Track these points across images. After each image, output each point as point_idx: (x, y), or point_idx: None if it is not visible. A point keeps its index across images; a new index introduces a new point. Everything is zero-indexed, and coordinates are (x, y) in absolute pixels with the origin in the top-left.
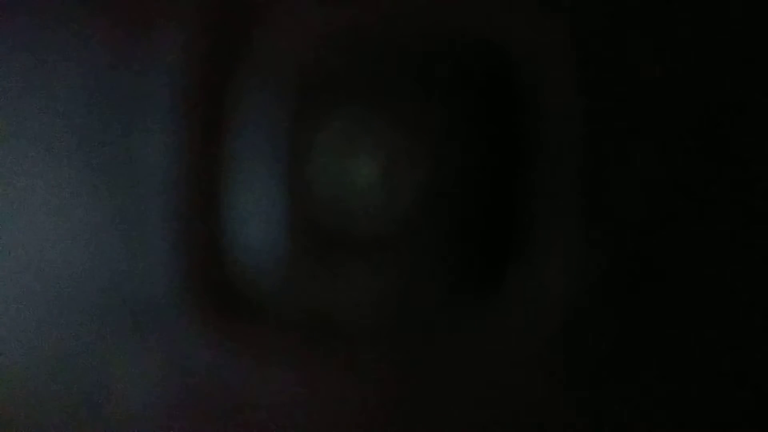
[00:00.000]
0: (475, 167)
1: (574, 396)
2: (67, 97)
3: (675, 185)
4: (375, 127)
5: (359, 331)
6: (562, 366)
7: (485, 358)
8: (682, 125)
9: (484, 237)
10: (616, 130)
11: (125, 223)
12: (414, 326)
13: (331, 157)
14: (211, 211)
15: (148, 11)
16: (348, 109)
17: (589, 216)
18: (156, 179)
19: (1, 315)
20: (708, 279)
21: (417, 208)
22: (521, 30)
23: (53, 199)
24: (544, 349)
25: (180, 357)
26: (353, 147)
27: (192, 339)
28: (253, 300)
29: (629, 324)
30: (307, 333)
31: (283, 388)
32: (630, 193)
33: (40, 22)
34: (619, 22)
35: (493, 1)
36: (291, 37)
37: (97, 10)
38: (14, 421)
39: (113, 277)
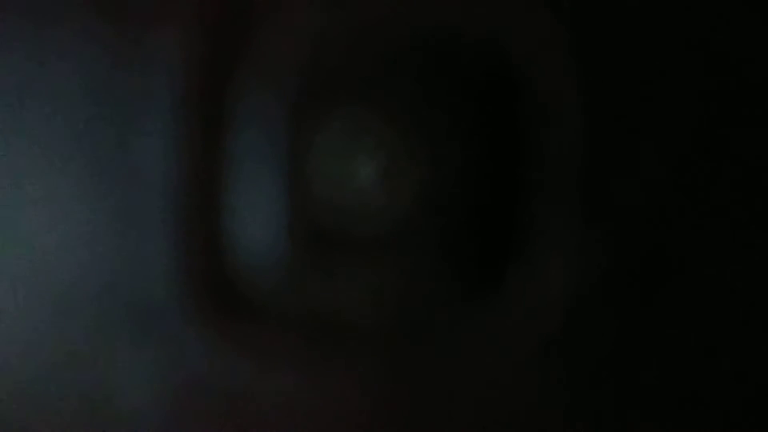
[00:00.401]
0: (475, 167)
1: (574, 396)
2: (67, 97)
3: (675, 185)
4: (375, 127)
5: (359, 331)
6: (562, 366)
7: (485, 358)
8: (682, 125)
9: (484, 237)
10: (616, 130)
11: (125, 223)
12: (414, 326)
13: (331, 157)
14: (211, 211)
15: (148, 11)
16: (348, 109)
17: (589, 216)
18: (156, 179)
19: (0, 315)
20: (708, 279)
21: (417, 208)
22: (521, 30)
23: (52, 198)
24: (545, 349)
25: (179, 357)
26: (353, 147)
27: (191, 339)
28: (253, 300)
29: (629, 324)
30: (307, 333)
31: (283, 388)
32: (630, 193)
33: (40, 22)
34: (619, 23)
35: (493, 1)
36: (291, 37)
37: (97, 10)
38: (14, 421)
39: (113, 277)
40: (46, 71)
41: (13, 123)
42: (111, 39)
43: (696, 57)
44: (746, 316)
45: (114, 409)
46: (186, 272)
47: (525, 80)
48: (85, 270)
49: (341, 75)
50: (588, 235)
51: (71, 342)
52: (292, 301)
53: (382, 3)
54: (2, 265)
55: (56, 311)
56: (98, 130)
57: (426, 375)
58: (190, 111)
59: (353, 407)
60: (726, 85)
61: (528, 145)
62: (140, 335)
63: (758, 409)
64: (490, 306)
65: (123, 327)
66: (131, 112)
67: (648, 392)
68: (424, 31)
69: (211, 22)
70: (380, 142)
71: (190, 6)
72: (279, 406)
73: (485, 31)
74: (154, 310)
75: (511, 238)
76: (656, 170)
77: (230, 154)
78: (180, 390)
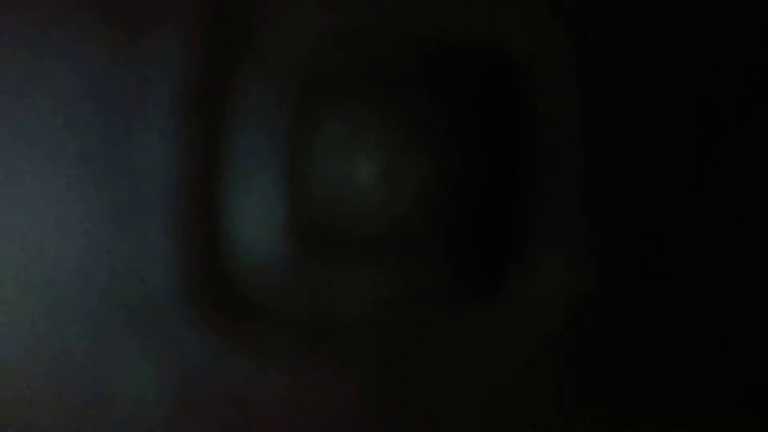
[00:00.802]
0: (475, 167)
1: (574, 396)
2: (67, 97)
3: (674, 185)
4: (375, 127)
5: (359, 331)
6: (563, 366)
7: (485, 358)
8: (682, 125)
9: (484, 237)
10: (616, 130)
11: (125, 222)
12: (414, 326)
13: (331, 157)
14: (211, 211)
15: (148, 11)
16: (348, 109)
17: (589, 216)
18: (156, 179)
19: (0, 315)
20: (708, 278)
21: (417, 208)
22: (521, 30)
23: (53, 198)
24: (545, 349)
25: (179, 356)
26: (353, 147)
27: (191, 338)
28: (252, 299)
29: (629, 324)
30: (307, 332)
31: (282, 387)
32: (630, 193)
33: (40, 22)
34: (618, 22)
35: (494, 1)
36: (291, 37)
37: (97, 10)
38: (14, 421)
39: (113, 276)
40: (46, 71)
41: (13, 123)
42: (111, 39)
43: (695, 57)
44: (746, 316)
45: (114, 409)
46: (186, 272)
47: (524, 81)
48: (85, 270)
49: (341, 75)
50: (587, 234)
51: (71, 342)
52: (291, 301)
53: (382, 3)
54: (2, 265)
55: (56, 311)
56: (98, 129)
57: (426, 375)
58: (190, 111)
59: (353, 407)
60: (725, 85)
61: (528, 145)
62: (140, 335)
63: (758, 409)
64: (490, 306)
65: (123, 327)
66: (131, 112)
67: (648, 392)
68: (424, 31)
69: (211, 22)
70: (380, 142)
71: (190, 6)
72: (278, 406)
73: (485, 32)
74: (154, 309)
75: (511, 238)
76: (656, 170)
77: (230, 154)
78: (180, 389)
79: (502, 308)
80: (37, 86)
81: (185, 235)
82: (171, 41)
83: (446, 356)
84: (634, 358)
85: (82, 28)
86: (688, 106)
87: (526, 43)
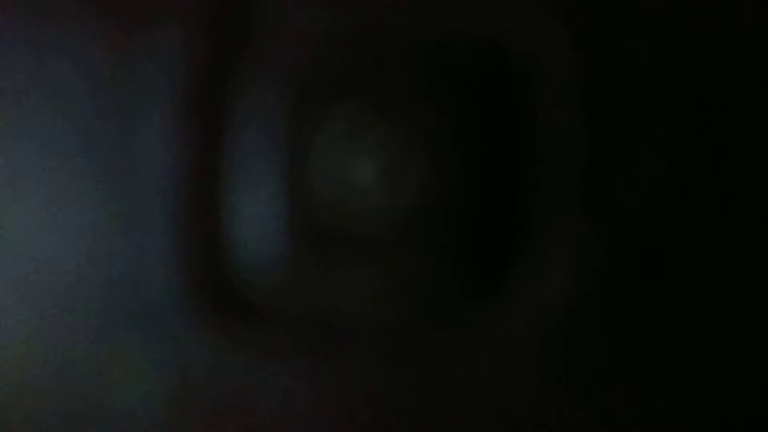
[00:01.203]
0: (475, 167)
1: (574, 396)
2: (67, 97)
3: (675, 184)
4: (375, 127)
5: (359, 331)
6: (563, 365)
7: (485, 358)
8: (682, 125)
9: (484, 237)
10: (616, 129)
11: (125, 222)
12: (414, 326)
13: (331, 157)
14: (211, 211)
15: (148, 11)
16: (348, 109)
17: (589, 216)
18: (156, 179)
19: (0, 315)
20: (708, 278)
21: (417, 208)
22: (521, 30)
23: (53, 198)
24: (545, 349)
25: (179, 357)
26: (353, 147)
27: (191, 339)
28: (252, 300)
29: (629, 324)
30: (307, 333)
31: (282, 387)
32: (630, 193)
33: (40, 22)
34: (619, 22)
35: (494, 1)
36: (291, 37)
37: (97, 10)
38: (14, 421)
39: (113, 277)
40: (46, 71)
41: (13, 123)
42: (112, 38)
43: (695, 56)
44: (746, 315)
45: (114, 409)
46: (186, 272)
47: (524, 79)
48: (85, 270)
49: (341, 75)
50: (588, 234)
51: (71, 342)
52: (291, 301)
53: (382, 3)
54: (2, 265)
55: (56, 311)
56: (98, 129)
57: (426, 375)
58: (191, 110)
59: (353, 407)
60: (725, 84)
61: (528, 144)
62: (140, 335)
63: (758, 408)
64: (491, 306)
65: (123, 327)
66: (132, 111)
67: (648, 392)
68: (423, 31)
69: (212, 21)
70: (380, 142)
71: (191, 6)
72: (279, 406)
73: (485, 30)
74: (154, 310)
75: (512, 237)
76: (656, 169)
77: (230, 153)
78: (180, 390)
79: (502, 308)
80: (37, 86)
81: (185, 235)
82: (171, 41)
83: (446, 356)
84: (634, 358)
85: (82, 28)
86: (689, 106)
87: (527, 43)
